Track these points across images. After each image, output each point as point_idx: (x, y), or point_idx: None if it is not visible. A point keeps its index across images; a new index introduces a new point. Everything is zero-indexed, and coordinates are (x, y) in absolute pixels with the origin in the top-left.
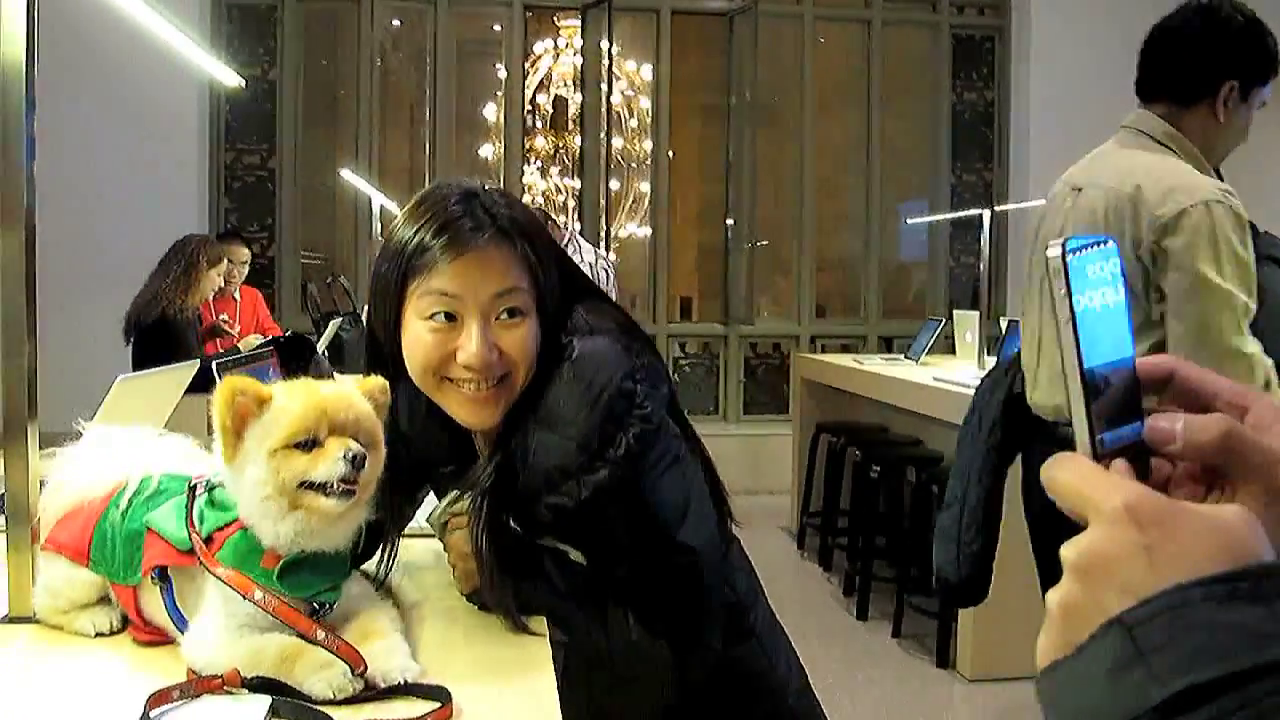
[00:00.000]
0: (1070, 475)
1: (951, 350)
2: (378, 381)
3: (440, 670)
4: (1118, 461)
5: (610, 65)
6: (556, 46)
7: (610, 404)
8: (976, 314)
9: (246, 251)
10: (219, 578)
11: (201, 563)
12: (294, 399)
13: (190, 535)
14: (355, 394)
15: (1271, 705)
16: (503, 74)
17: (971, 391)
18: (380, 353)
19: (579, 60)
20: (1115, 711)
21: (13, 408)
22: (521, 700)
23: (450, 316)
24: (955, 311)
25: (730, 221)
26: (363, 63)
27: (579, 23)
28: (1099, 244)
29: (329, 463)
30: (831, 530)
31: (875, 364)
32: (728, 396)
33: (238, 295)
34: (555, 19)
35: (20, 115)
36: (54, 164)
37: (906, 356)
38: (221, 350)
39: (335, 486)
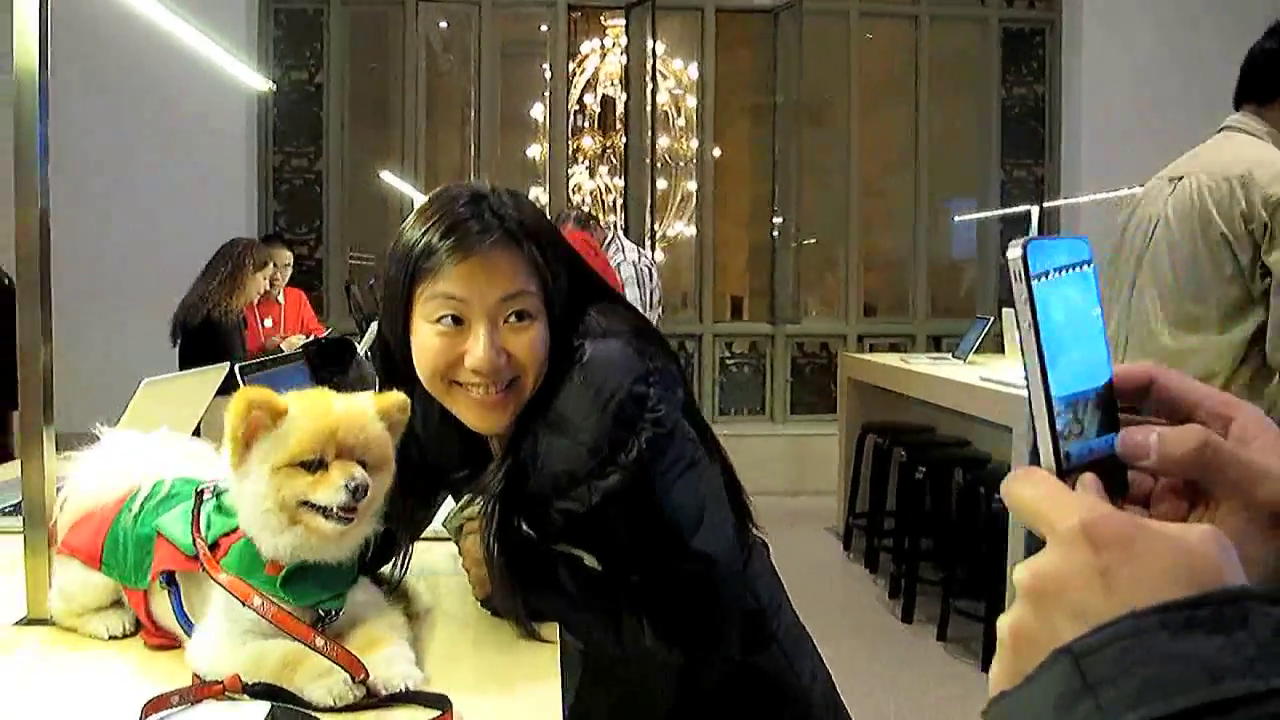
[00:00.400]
0: (1029, 491)
1: (1001, 349)
2: (397, 399)
3: (446, 677)
4: (1085, 476)
5: (654, 64)
6: (603, 46)
7: (621, 408)
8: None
9: (289, 254)
10: (220, 584)
11: (204, 568)
12: (306, 416)
13: (194, 540)
14: (369, 413)
15: None
16: (549, 74)
17: (1019, 391)
18: (392, 357)
19: (625, 60)
20: None
21: (29, 412)
22: (525, 709)
23: (457, 320)
24: (1005, 309)
25: (777, 220)
26: (408, 65)
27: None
28: (1067, 244)
29: (330, 489)
30: (877, 532)
31: (922, 363)
32: (774, 396)
33: (281, 298)
34: (602, 18)
35: (34, 122)
36: (105, 172)
37: (954, 356)
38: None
39: (334, 511)
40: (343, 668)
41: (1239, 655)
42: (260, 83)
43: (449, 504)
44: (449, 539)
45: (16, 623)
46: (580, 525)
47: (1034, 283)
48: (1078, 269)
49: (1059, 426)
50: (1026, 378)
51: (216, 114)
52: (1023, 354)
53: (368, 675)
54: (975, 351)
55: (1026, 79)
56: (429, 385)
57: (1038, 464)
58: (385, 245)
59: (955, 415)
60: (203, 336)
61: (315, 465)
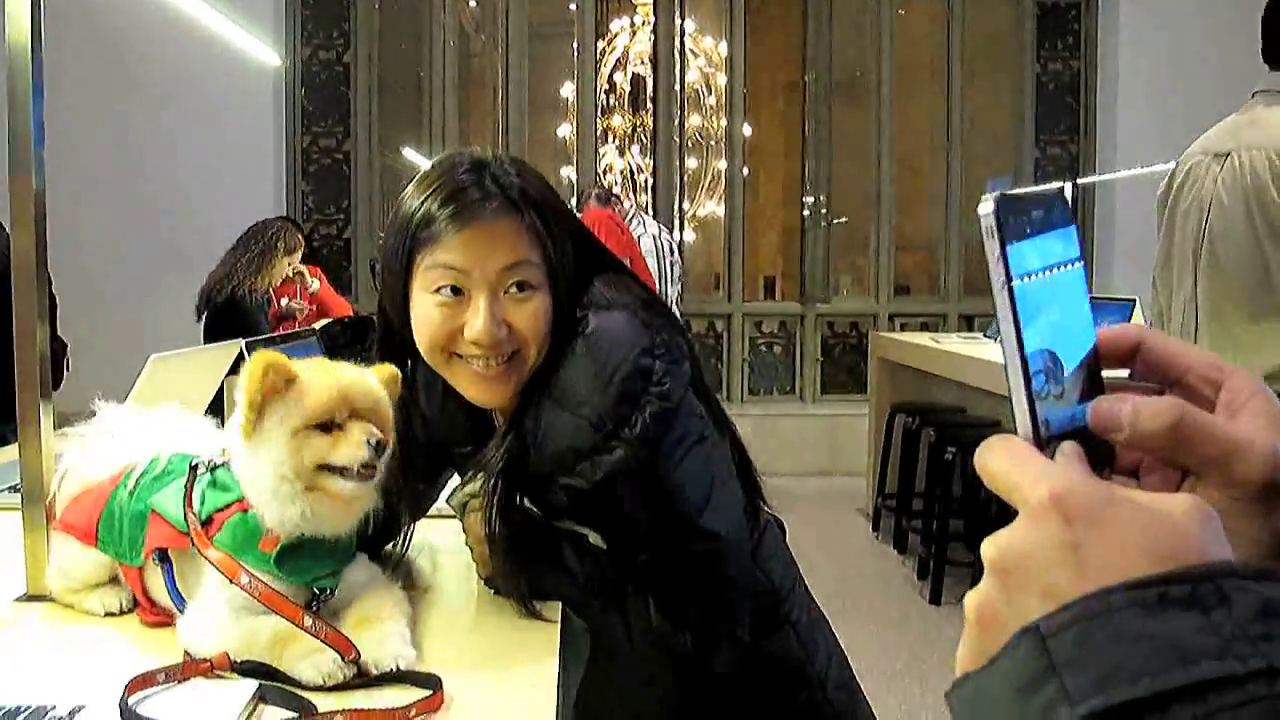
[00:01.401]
0: (1001, 460)
1: None
2: (391, 371)
3: (442, 656)
4: (1065, 445)
5: (682, 42)
6: (633, 24)
7: (626, 382)
8: None
9: (300, 238)
10: (209, 560)
11: (194, 545)
12: (317, 380)
13: (186, 516)
14: (374, 379)
15: None
16: (578, 53)
17: None
18: (392, 330)
19: (654, 38)
20: None
21: (26, 389)
22: (518, 689)
23: (457, 290)
24: None
25: (808, 199)
26: (436, 44)
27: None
28: (1042, 198)
29: (351, 447)
30: (907, 513)
31: (953, 343)
32: (804, 376)
33: (314, 285)
34: None
35: (28, 102)
36: (134, 155)
37: (986, 335)
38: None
39: (355, 471)
40: (332, 647)
41: (1215, 635)
42: (271, 58)
43: (454, 481)
44: (453, 516)
45: (17, 599)
46: (584, 502)
47: (1007, 240)
48: (1058, 225)
49: (1036, 391)
50: (1001, 341)
51: (243, 93)
52: (996, 315)
53: (358, 654)
54: None
55: (1061, 54)
56: (429, 358)
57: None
58: None
59: (986, 395)
60: (227, 313)
61: (330, 427)
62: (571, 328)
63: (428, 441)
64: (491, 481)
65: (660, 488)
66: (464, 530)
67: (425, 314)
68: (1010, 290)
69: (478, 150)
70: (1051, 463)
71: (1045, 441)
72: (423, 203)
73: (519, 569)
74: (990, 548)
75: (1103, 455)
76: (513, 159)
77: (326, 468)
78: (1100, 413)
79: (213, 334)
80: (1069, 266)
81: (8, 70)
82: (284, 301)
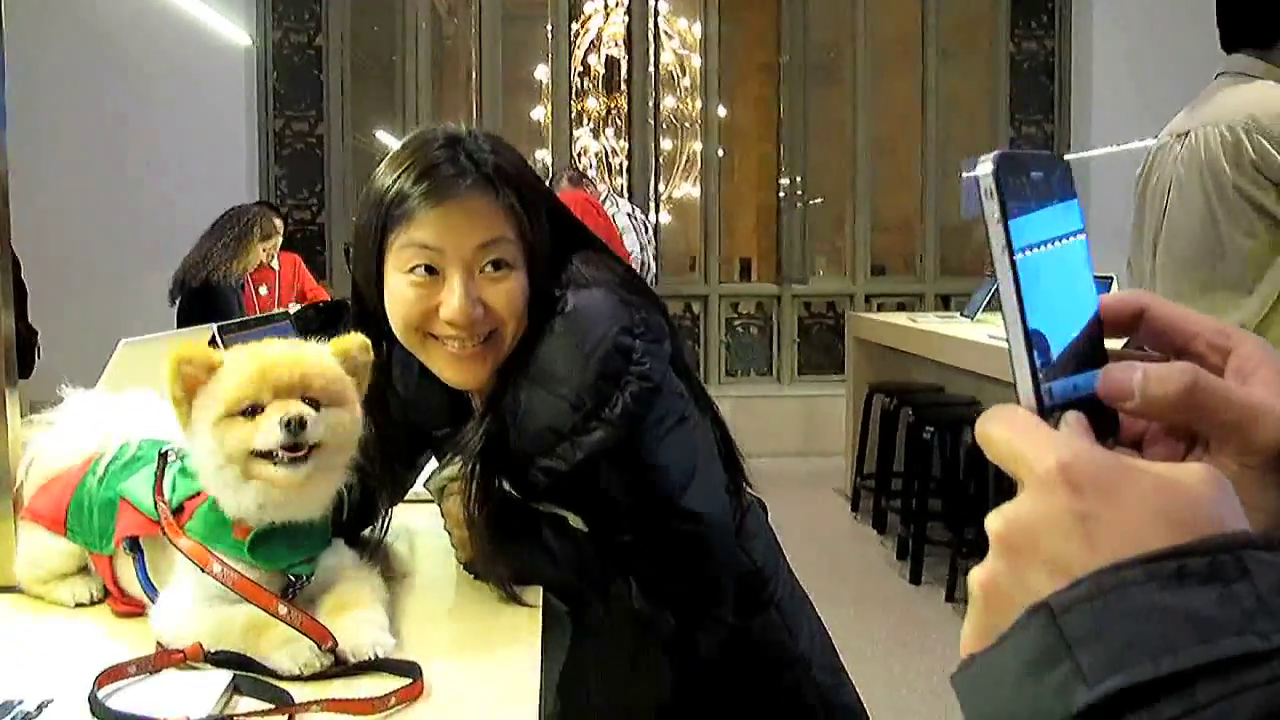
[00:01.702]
0: (1004, 430)
1: None
2: (355, 339)
3: (421, 643)
4: (1069, 414)
5: (656, 24)
6: (607, 6)
7: (605, 360)
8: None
9: (280, 223)
10: (180, 549)
11: (165, 533)
12: (234, 366)
13: (157, 504)
14: (308, 353)
15: (1221, 713)
16: (551, 35)
17: None
18: (366, 310)
19: (627, 19)
20: (1032, 717)
21: None
22: (498, 676)
23: (431, 269)
24: None
25: (784, 180)
26: (409, 27)
27: None
28: (1042, 160)
29: (267, 429)
30: (885, 493)
31: (930, 322)
32: (782, 357)
33: (276, 265)
34: None
35: None
36: (104, 139)
37: (963, 315)
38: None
39: (280, 455)
40: (308, 636)
41: (1236, 609)
42: (242, 38)
43: (432, 464)
44: (432, 500)
45: None
46: (564, 484)
47: (1008, 200)
48: (1058, 186)
49: (1038, 360)
50: (1001, 308)
51: (214, 77)
52: (996, 280)
53: (335, 643)
54: (984, 310)
55: (1036, 33)
56: (403, 338)
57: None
58: None
59: (964, 374)
60: (201, 298)
61: (253, 411)
62: (550, 306)
63: (405, 424)
64: (470, 464)
65: (641, 468)
66: (442, 514)
67: (399, 294)
68: (1011, 252)
69: (452, 126)
70: (1057, 432)
71: (1048, 411)
72: (395, 179)
73: (498, 552)
74: (996, 521)
75: (1106, 426)
76: (488, 135)
77: (255, 454)
78: (1110, 380)
79: (187, 319)
80: (1071, 231)
81: None
82: (261, 290)
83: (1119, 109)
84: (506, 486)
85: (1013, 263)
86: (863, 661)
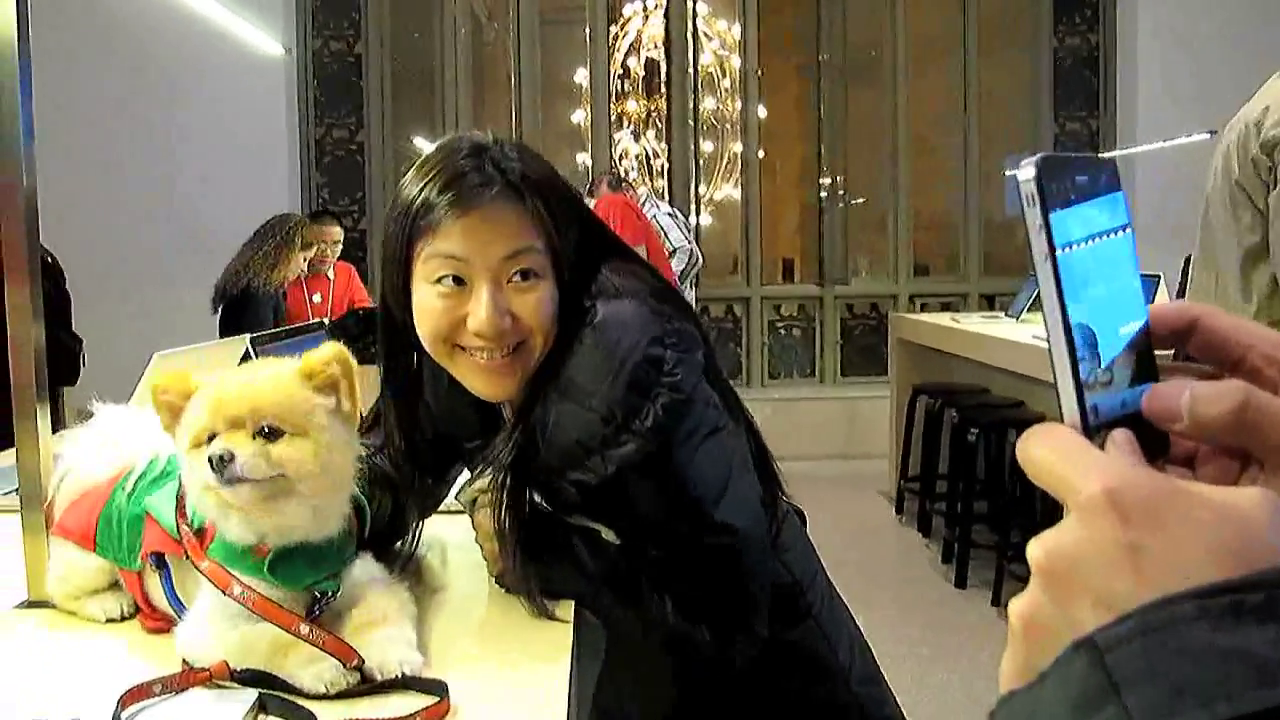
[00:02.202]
0: (1046, 451)
1: None
2: (324, 352)
3: (450, 660)
4: (1116, 433)
5: (695, 25)
6: (645, 8)
7: (635, 372)
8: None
9: (339, 230)
10: (200, 571)
11: (187, 555)
12: (202, 394)
13: (179, 526)
14: (263, 384)
15: None
16: (590, 39)
17: None
18: (394, 322)
19: (666, 21)
20: None
21: (23, 391)
22: (527, 693)
23: (459, 280)
24: None
25: (824, 180)
26: (447, 32)
27: None
28: (1090, 164)
29: (201, 465)
30: (930, 495)
31: (974, 323)
32: (824, 359)
33: (331, 274)
34: None
35: (15, 98)
36: (148, 151)
37: (1008, 315)
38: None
39: (220, 486)
40: (332, 655)
41: None
42: (275, 47)
43: (464, 477)
44: (463, 512)
45: (17, 605)
46: (595, 497)
47: (1050, 207)
48: (1105, 191)
49: (1083, 375)
50: (1045, 320)
51: (254, 86)
52: (1039, 291)
53: (361, 661)
54: (1029, 310)
55: (1079, 28)
56: (431, 350)
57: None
58: None
59: (1009, 375)
60: (240, 306)
61: (211, 439)
62: (579, 317)
63: (435, 436)
64: (501, 476)
65: (673, 481)
66: (473, 527)
67: (426, 305)
68: (1054, 262)
69: (478, 134)
70: (1103, 454)
71: (1094, 430)
72: (421, 189)
73: (529, 566)
74: (1037, 549)
75: (1156, 444)
76: (515, 143)
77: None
78: (1156, 401)
79: (227, 327)
80: (1118, 235)
81: None
82: (317, 309)
83: (1164, 104)
84: (537, 499)
85: (1055, 272)
86: (906, 667)
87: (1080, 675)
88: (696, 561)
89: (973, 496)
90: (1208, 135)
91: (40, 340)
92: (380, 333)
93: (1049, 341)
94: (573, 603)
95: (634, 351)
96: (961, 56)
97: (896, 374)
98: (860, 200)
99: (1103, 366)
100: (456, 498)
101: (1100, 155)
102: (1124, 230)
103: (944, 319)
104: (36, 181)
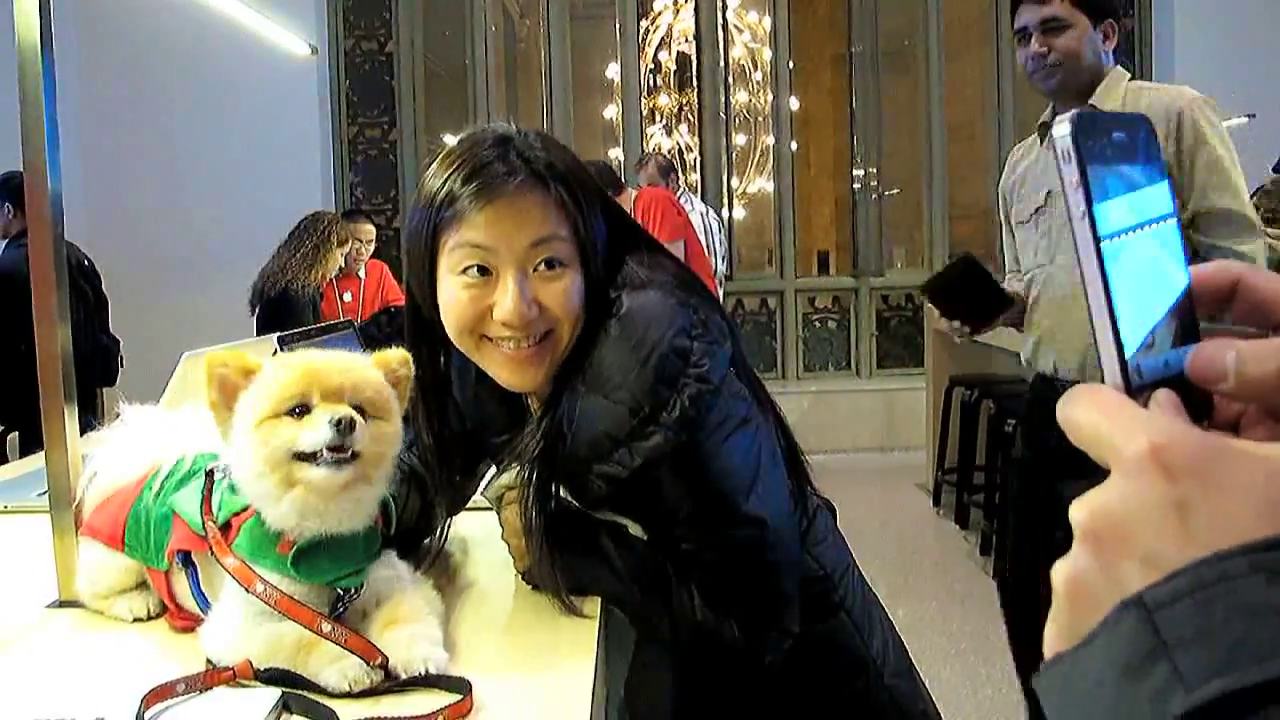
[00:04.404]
0: (1089, 411)
1: None
2: (397, 354)
3: (475, 657)
4: (1160, 393)
5: (725, 18)
6: (676, 2)
7: (662, 363)
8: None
9: (371, 229)
10: (225, 568)
11: (212, 552)
12: (280, 367)
13: (204, 522)
14: (357, 361)
15: None
16: (621, 34)
17: None
18: (421, 317)
19: (697, 15)
20: None
21: (49, 393)
22: (551, 691)
23: (484, 270)
24: None
25: (858, 172)
26: (479, 30)
27: None
28: (1126, 121)
29: (314, 428)
30: (968, 487)
31: None
32: (860, 351)
33: (363, 273)
34: None
35: (40, 102)
36: (183, 153)
37: None
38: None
39: (324, 455)
40: (354, 653)
41: None
42: (300, 48)
43: (492, 472)
44: (490, 508)
45: (48, 605)
46: (623, 491)
47: (1087, 163)
48: (1141, 150)
49: (1124, 334)
50: (1083, 281)
51: (286, 87)
52: (1076, 251)
53: (385, 659)
54: None
55: None
56: (458, 342)
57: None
58: None
59: None
60: (278, 307)
61: (300, 412)
62: (605, 308)
63: (463, 431)
64: (528, 470)
65: (701, 473)
66: (500, 523)
67: (452, 296)
68: (1092, 219)
69: (501, 125)
70: (1147, 412)
71: (1136, 391)
72: (445, 180)
73: (556, 562)
74: (1081, 511)
75: (1199, 407)
76: (539, 133)
77: (298, 457)
78: (1200, 360)
79: (265, 328)
80: (1155, 195)
81: (18, 71)
82: (348, 308)
83: (1202, 88)
84: (564, 494)
85: (1093, 228)
86: (944, 658)
87: (1129, 636)
88: (725, 555)
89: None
90: (1246, 119)
91: (68, 343)
92: (408, 329)
93: (1088, 303)
94: (600, 600)
95: (660, 343)
96: (995, 43)
97: (933, 365)
98: (895, 190)
99: (1145, 327)
100: (483, 493)
101: (1135, 115)
102: (1162, 189)
103: None
104: (61, 187)
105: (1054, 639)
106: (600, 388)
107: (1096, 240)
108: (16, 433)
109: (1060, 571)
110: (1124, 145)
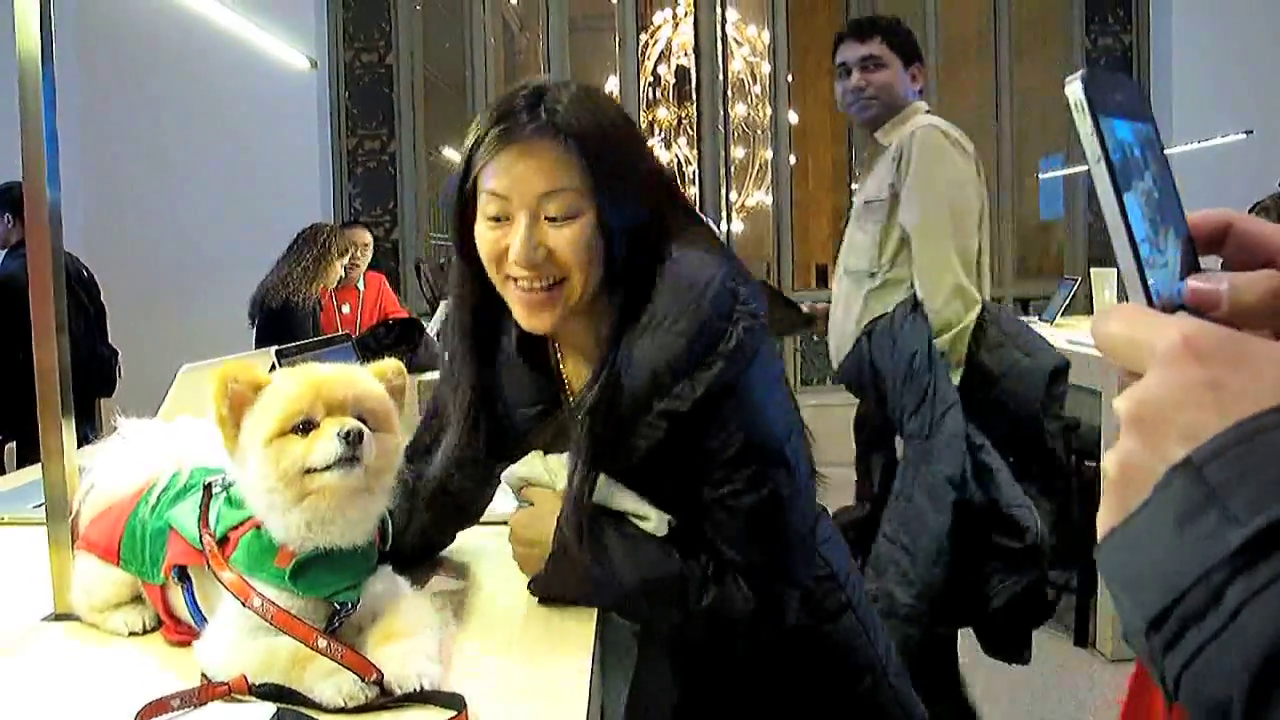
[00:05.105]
0: (1122, 323)
1: (1090, 311)
2: (391, 363)
3: (470, 673)
4: (1180, 313)
5: (724, 32)
6: (675, 16)
7: (716, 299)
8: (1115, 271)
9: (368, 235)
10: (222, 582)
11: (209, 565)
12: (286, 383)
13: (201, 536)
14: (359, 374)
15: None
16: (620, 47)
17: None
18: (468, 273)
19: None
20: (1187, 567)
21: (47, 405)
22: (547, 709)
23: (503, 213)
24: (1093, 269)
25: (856, 185)
26: (478, 42)
27: None
28: (1121, 81)
29: (324, 443)
30: None
31: None
32: None
33: (361, 285)
34: None
35: (39, 112)
36: (182, 165)
37: (1041, 319)
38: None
39: (335, 468)
40: (349, 669)
41: None
42: (300, 61)
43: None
44: (499, 523)
45: (44, 618)
46: (682, 427)
47: (1098, 113)
48: (1138, 106)
49: (1143, 257)
50: (1106, 218)
51: (286, 99)
52: (1098, 193)
53: (380, 674)
54: (1064, 314)
55: (1113, 29)
56: (492, 279)
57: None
58: None
59: None
60: (279, 319)
61: (306, 427)
62: (652, 259)
63: (500, 405)
64: (584, 424)
65: (754, 407)
66: (518, 498)
67: (482, 236)
68: (1108, 159)
69: (545, 79)
70: (1175, 315)
71: (1156, 309)
72: (478, 128)
73: (574, 564)
74: (1125, 400)
75: None
76: (582, 88)
77: (310, 471)
78: (1196, 290)
79: (264, 340)
80: (1153, 143)
81: (18, 81)
82: (347, 320)
83: (1200, 105)
84: (600, 484)
85: (1110, 169)
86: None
87: (1180, 492)
88: (760, 497)
89: None
90: (1244, 135)
91: (66, 355)
92: (458, 286)
93: (1111, 235)
94: (596, 618)
95: (713, 281)
96: (993, 57)
97: None
98: None
99: (1159, 253)
100: (504, 478)
101: (1128, 78)
102: (1155, 138)
103: None
104: (60, 198)
105: (1107, 521)
106: (658, 325)
107: (1114, 179)
108: (14, 443)
109: (1110, 459)
110: (1125, 101)
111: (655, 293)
